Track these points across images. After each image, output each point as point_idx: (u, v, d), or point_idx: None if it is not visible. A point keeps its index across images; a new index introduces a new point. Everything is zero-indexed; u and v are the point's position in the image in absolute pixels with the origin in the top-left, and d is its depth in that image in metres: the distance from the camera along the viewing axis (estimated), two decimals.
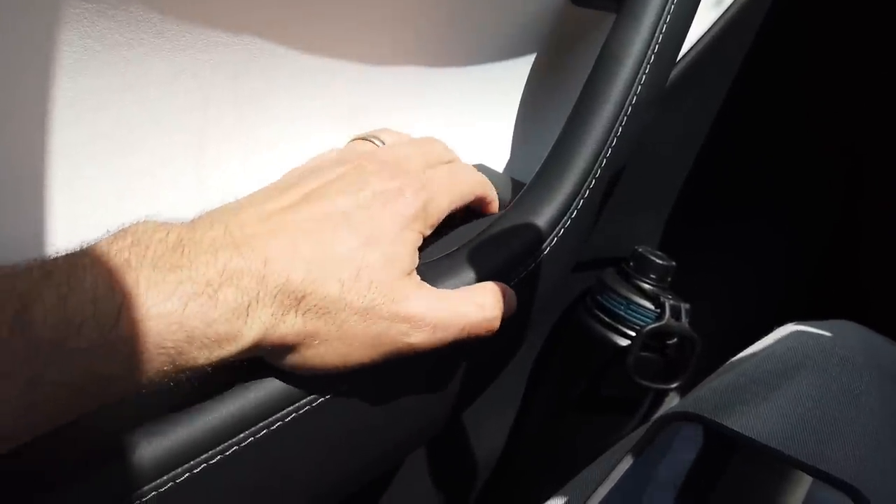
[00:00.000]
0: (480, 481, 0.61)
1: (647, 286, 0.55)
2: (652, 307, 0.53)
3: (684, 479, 0.24)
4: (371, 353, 0.26)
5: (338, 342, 0.25)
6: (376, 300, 0.25)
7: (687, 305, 0.54)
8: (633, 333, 0.53)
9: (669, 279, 0.56)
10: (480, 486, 0.61)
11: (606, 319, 0.55)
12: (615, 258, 0.59)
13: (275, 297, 0.23)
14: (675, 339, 0.54)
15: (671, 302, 0.53)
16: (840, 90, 0.60)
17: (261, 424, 0.26)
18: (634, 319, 0.53)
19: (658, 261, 0.55)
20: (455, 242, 0.34)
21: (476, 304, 0.29)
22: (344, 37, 0.34)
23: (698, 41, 0.52)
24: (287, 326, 0.24)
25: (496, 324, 0.30)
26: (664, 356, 0.54)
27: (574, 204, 0.36)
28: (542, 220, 0.35)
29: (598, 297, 0.56)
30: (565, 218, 0.36)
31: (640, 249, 0.56)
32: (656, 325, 0.52)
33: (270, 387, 0.26)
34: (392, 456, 0.36)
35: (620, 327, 0.54)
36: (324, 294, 0.24)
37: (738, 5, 0.52)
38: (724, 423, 0.26)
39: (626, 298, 0.54)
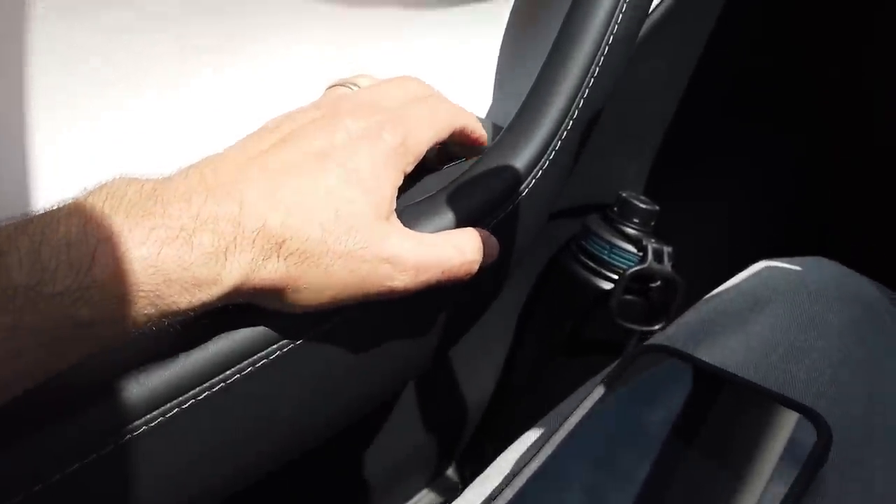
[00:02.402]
0: (471, 423, 0.63)
1: (630, 230, 0.55)
2: (635, 251, 0.54)
3: (675, 418, 0.25)
4: (356, 296, 0.27)
5: (322, 286, 0.25)
6: (359, 243, 0.25)
7: (670, 248, 0.54)
8: (617, 277, 0.54)
9: (653, 223, 0.56)
10: (471, 427, 0.63)
11: (590, 264, 0.55)
12: (600, 204, 0.59)
13: (253, 241, 0.23)
14: (659, 282, 0.55)
15: (654, 245, 0.53)
16: (818, 34, 0.60)
17: (246, 362, 0.27)
18: (618, 263, 0.54)
19: (641, 205, 0.55)
20: (434, 185, 0.34)
21: (456, 248, 0.30)
22: None
23: None
24: (269, 272, 0.24)
25: (475, 267, 0.30)
26: (647, 299, 0.55)
27: (552, 145, 0.36)
28: (519, 161, 0.35)
29: (582, 242, 0.56)
30: (543, 159, 0.36)
31: (624, 194, 0.56)
32: (638, 267, 0.53)
33: (254, 327, 0.27)
34: (378, 395, 0.37)
35: (604, 271, 0.55)
36: (304, 238, 0.24)
37: None
38: (693, 355, 0.27)
39: (609, 242, 0.54)
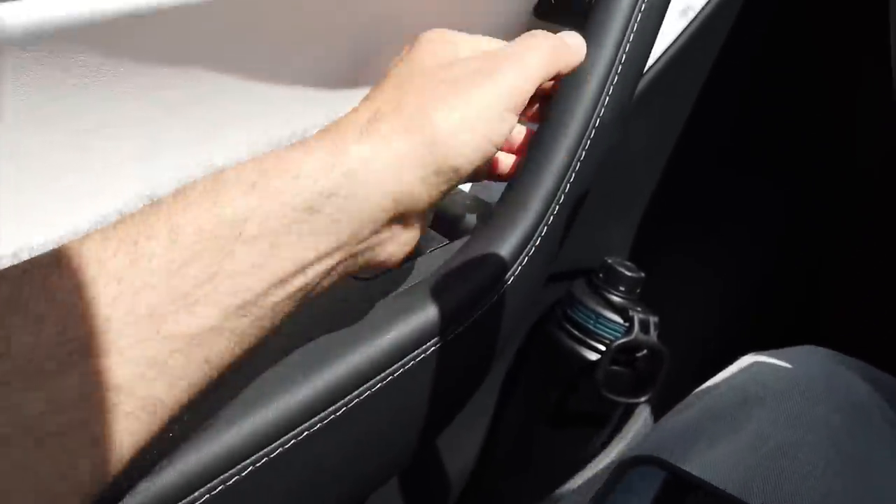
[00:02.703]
0: (452, 499, 0.61)
1: (616, 298, 0.54)
2: (621, 321, 0.53)
3: None
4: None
5: None
6: None
7: (655, 318, 0.54)
8: (603, 347, 0.53)
9: (638, 290, 0.56)
10: (452, 502, 0.61)
11: (576, 333, 0.54)
12: (586, 268, 0.59)
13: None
14: (645, 352, 0.54)
15: (640, 315, 0.53)
16: (802, 100, 0.61)
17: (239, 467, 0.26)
18: (604, 333, 0.53)
19: (627, 273, 0.55)
20: (421, 271, 0.33)
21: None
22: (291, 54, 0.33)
23: (664, 52, 0.51)
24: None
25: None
26: (633, 369, 0.54)
27: (538, 231, 0.36)
28: (505, 249, 0.34)
29: (568, 311, 0.55)
30: (529, 246, 0.35)
31: (609, 261, 0.56)
32: (625, 339, 0.52)
33: (242, 432, 0.26)
34: (359, 492, 0.36)
35: (590, 341, 0.54)
36: None
37: (703, 16, 0.52)
38: (684, 467, 0.26)
39: (595, 312, 0.54)
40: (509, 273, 0.35)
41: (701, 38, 0.52)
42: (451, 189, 0.29)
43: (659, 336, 0.54)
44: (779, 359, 0.33)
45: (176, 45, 0.30)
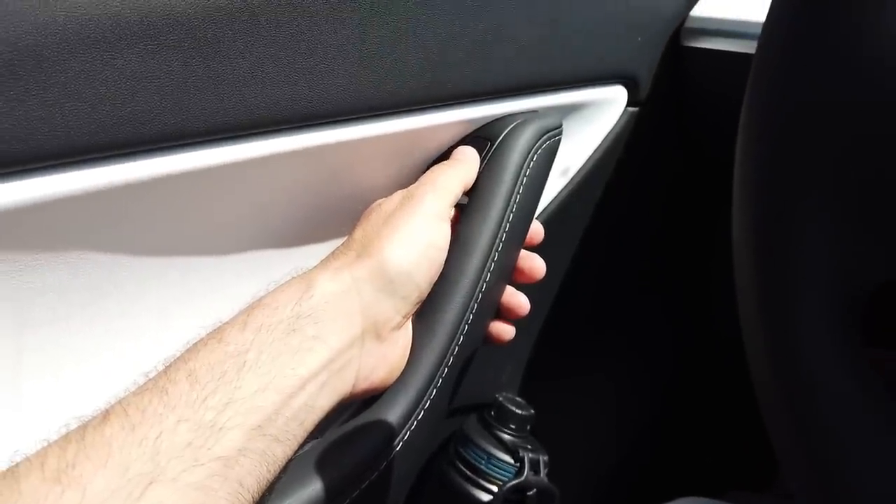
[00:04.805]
0: None
1: (507, 437, 0.55)
2: (512, 461, 0.54)
3: None
4: None
5: None
6: None
7: (546, 457, 0.55)
8: (495, 488, 0.53)
9: (529, 427, 0.57)
10: None
11: (468, 473, 0.55)
12: (477, 404, 0.60)
13: None
14: (535, 490, 0.55)
15: (530, 455, 0.54)
16: (679, 254, 0.67)
17: None
18: (495, 474, 0.54)
19: (518, 411, 0.56)
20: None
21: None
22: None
23: (546, 206, 0.55)
24: None
25: None
26: None
27: (427, 393, 0.37)
28: (392, 414, 0.35)
29: (461, 450, 0.56)
30: (418, 409, 0.36)
31: (500, 398, 0.57)
32: (516, 481, 0.52)
33: None
34: None
35: (482, 481, 0.54)
36: None
37: (582, 173, 0.57)
38: None
39: (487, 452, 0.54)
40: (397, 440, 0.35)
41: (579, 194, 0.57)
42: (419, 298, 0.35)
43: (549, 474, 0.55)
44: None
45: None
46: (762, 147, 0.22)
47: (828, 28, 0.21)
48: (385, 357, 0.34)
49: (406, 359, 0.36)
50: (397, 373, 0.35)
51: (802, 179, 0.22)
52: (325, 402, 0.30)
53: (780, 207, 0.22)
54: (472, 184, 0.41)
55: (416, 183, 0.38)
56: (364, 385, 0.33)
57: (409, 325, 0.36)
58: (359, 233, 0.35)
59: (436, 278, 0.36)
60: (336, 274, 0.32)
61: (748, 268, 0.23)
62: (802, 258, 0.21)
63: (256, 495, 0.26)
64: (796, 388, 0.21)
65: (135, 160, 0.28)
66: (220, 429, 0.25)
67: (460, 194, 0.40)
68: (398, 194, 0.38)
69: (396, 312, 0.34)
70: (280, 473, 0.29)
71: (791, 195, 0.22)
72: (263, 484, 0.27)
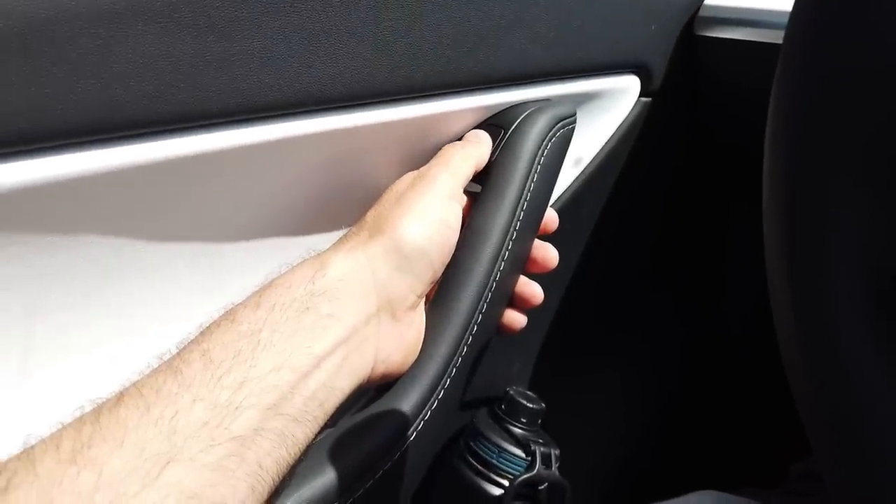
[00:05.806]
0: None
1: (518, 431, 0.55)
2: (523, 455, 0.53)
3: None
4: None
5: None
6: None
7: (557, 451, 0.54)
8: (505, 482, 0.53)
9: (540, 421, 0.57)
10: None
11: (479, 468, 0.54)
12: (488, 398, 0.59)
13: None
14: (546, 485, 0.54)
15: (542, 449, 0.53)
16: (690, 246, 0.66)
17: None
18: (507, 468, 0.53)
19: (529, 405, 0.56)
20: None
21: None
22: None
23: (558, 196, 0.55)
24: None
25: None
26: (536, 502, 0.54)
27: (441, 383, 0.36)
28: (406, 404, 0.34)
29: (472, 444, 0.55)
30: (432, 399, 0.36)
31: (511, 392, 0.57)
32: (527, 475, 0.52)
33: None
34: None
35: (493, 476, 0.53)
36: None
37: (595, 164, 0.56)
38: None
39: (499, 446, 0.54)
40: (411, 430, 0.34)
41: (592, 184, 0.56)
42: (433, 277, 0.35)
43: (560, 468, 0.55)
44: None
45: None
46: (793, 124, 0.22)
47: None
48: (402, 338, 0.33)
49: (420, 343, 0.35)
50: (412, 357, 0.35)
51: (835, 157, 0.21)
52: (344, 383, 0.30)
53: (812, 185, 0.21)
54: (483, 165, 0.41)
55: (428, 164, 0.38)
56: (381, 368, 0.33)
57: (422, 308, 0.36)
58: (371, 214, 0.35)
59: (448, 259, 0.36)
60: (350, 253, 0.32)
61: (779, 248, 0.22)
62: (835, 237, 0.21)
63: (277, 478, 0.26)
64: (830, 371, 0.20)
65: (147, 141, 0.28)
66: (237, 408, 0.25)
67: (472, 175, 0.39)
68: (410, 175, 0.38)
69: (411, 291, 0.33)
70: (300, 457, 0.28)
71: (823, 172, 0.21)
72: (283, 467, 0.26)
